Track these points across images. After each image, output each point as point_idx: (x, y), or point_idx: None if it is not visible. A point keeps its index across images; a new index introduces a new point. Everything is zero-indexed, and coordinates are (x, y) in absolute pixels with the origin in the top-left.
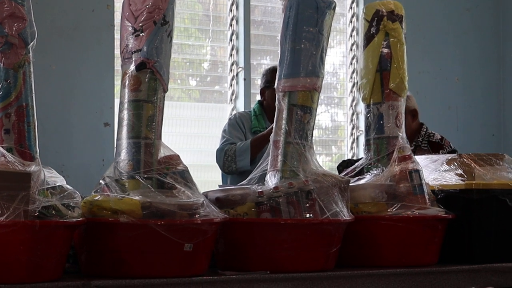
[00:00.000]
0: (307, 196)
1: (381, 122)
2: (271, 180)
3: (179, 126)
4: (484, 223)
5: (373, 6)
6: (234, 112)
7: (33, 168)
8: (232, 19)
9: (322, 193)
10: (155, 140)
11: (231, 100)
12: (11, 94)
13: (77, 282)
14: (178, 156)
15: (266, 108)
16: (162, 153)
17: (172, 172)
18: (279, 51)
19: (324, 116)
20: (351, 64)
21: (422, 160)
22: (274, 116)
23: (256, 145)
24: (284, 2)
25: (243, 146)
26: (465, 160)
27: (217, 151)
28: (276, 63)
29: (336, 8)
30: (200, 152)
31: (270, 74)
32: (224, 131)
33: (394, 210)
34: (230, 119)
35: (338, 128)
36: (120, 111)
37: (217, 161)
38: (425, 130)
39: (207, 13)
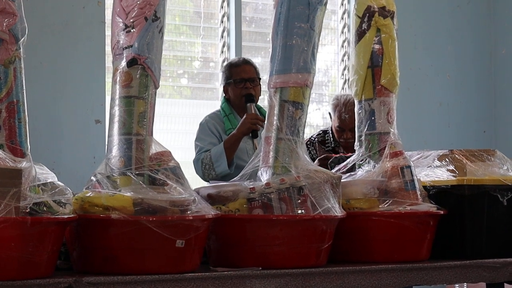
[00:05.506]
0: (299, 192)
1: (373, 118)
2: (263, 176)
3: (170, 123)
4: (476, 218)
5: (364, 2)
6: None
7: (24, 164)
8: (223, 16)
9: (314, 189)
10: (146, 136)
11: None
12: (1, 90)
13: (68, 279)
14: (170, 152)
15: (232, 105)
16: (153, 149)
17: (163, 168)
18: (270, 47)
19: (316, 114)
20: (343, 61)
21: (414, 156)
22: (242, 112)
23: (229, 147)
24: None
25: (217, 151)
26: (456, 156)
27: (193, 162)
28: (267, 60)
29: (327, 4)
30: (192, 149)
31: (228, 70)
32: (196, 139)
33: (385, 206)
34: (201, 124)
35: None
36: (111, 107)
37: (196, 172)
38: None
39: (198, 10)
